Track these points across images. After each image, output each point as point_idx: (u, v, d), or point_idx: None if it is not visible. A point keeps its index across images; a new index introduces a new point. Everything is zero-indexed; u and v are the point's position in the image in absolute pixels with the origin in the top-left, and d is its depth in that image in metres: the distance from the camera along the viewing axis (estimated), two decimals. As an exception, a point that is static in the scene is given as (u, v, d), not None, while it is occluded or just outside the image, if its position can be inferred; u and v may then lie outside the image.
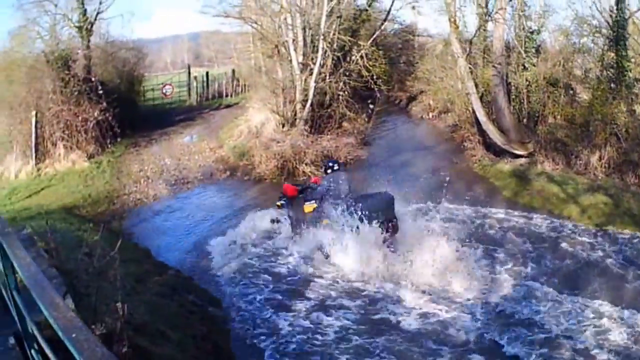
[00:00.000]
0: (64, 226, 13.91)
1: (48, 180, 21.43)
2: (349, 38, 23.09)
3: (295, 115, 21.62)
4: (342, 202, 13.20)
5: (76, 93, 24.32)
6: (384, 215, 12.99)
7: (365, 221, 12.47)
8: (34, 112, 23.12)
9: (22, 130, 23.90)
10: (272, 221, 14.80)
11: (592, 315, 10.09)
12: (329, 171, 15.10)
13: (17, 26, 28.07)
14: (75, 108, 23.92)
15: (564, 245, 13.47)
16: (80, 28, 27.02)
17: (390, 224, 13.07)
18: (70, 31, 27.58)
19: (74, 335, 2.48)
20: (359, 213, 12.49)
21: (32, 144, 23.13)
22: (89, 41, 27.14)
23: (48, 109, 23.74)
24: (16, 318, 4.24)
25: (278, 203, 14.53)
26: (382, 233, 12.68)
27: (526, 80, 19.60)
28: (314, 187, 14.46)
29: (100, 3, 27.49)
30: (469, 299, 10.90)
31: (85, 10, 27.23)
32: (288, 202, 14.34)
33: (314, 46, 21.95)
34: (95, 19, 27.60)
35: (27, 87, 24.97)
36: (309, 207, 13.59)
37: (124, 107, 25.93)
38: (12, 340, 5.51)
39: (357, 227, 12.57)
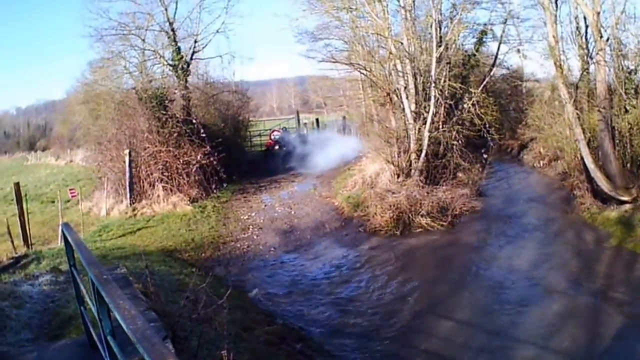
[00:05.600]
0: (163, 269, 13.53)
1: (145, 221, 21.19)
2: (460, 85, 22.53)
3: (410, 165, 21.04)
4: None
5: (175, 134, 24.17)
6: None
7: None
8: (127, 150, 22.91)
9: (113, 168, 23.88)
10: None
11: None
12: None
13: (98, 58, 28.23)
14: (175, 150, 23.78)
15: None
16: (174, 67, 26.88)
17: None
18: (163, 69, 27.56)
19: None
20: None
21: (126, 183, 22.90)
22: (186, 81, 26.98)
23: (144, 149, 23.61)
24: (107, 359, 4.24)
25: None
26: None
27: (628, 123, 18.77)
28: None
29: (196, 42, 27.41)
30: None
31: (179, 48, 27.14)
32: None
33: (425, 94, 21.38)
34: (192, 58, 27.49)
35: (118, 124, 24.89)
36: None
37: (230, 152, 25.89)
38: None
39: None
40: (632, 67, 18.90)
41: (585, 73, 19.65)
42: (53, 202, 25.06)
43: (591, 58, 19.02)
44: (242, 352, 8.64)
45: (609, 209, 18.16)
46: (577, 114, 19.12)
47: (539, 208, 20.33)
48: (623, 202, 17.87)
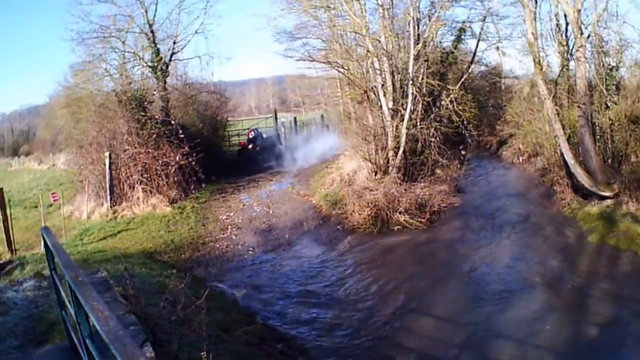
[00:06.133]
0: (143, 271, 13.54)
1: (125, 224, 21.14)
2: (438, 82, 22.57)
3: (387, 162, 21.06)
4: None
5: (154, 136, 24.21)
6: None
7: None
8: (107, 153, 22.88)
9: (94, 171, 23.79)
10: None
11: None
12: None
13: (80, 61, 28.11)
14: (154, 151, 23.78)
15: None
16: (154, 68, 26.88)
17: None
18: (142, 70, 27.54)
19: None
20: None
21: (106, 186, 22.86)
22: (164, 82, 27.01)
23: (123, 151, 23.57)
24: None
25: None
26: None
27: (609, 119, 18.93)
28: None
29: (175, 43, 27.43)
30: None
31: (159, 49, 27.17)
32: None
33: (403, 91, 21.45)
34: (171, 60, 27.52)
35: (98, 127, 24.80)
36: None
37: (208, 152, 25.92)
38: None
39: None
40: (613, 64, 19.04)
41: (565, 69, 19.78)
42: (36, 207, 24.87)
43: (571, 55, 19.07)
44: (222, 354, 8.71)
45: (590, 204, 18.22)
46: (557, 110, 19.21)
47: (518, 204, 20.36)
48: (604, 198, 17.93)
